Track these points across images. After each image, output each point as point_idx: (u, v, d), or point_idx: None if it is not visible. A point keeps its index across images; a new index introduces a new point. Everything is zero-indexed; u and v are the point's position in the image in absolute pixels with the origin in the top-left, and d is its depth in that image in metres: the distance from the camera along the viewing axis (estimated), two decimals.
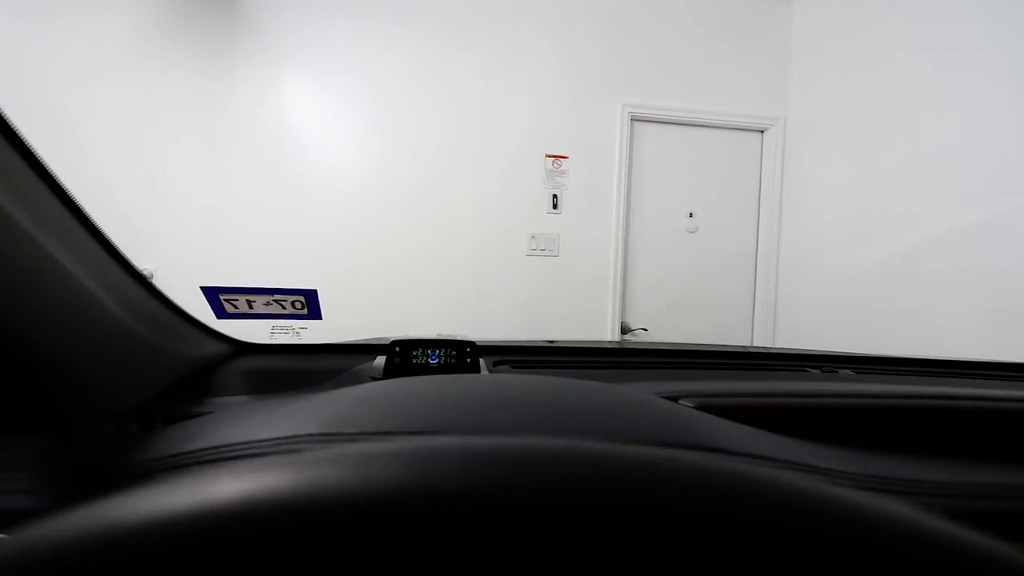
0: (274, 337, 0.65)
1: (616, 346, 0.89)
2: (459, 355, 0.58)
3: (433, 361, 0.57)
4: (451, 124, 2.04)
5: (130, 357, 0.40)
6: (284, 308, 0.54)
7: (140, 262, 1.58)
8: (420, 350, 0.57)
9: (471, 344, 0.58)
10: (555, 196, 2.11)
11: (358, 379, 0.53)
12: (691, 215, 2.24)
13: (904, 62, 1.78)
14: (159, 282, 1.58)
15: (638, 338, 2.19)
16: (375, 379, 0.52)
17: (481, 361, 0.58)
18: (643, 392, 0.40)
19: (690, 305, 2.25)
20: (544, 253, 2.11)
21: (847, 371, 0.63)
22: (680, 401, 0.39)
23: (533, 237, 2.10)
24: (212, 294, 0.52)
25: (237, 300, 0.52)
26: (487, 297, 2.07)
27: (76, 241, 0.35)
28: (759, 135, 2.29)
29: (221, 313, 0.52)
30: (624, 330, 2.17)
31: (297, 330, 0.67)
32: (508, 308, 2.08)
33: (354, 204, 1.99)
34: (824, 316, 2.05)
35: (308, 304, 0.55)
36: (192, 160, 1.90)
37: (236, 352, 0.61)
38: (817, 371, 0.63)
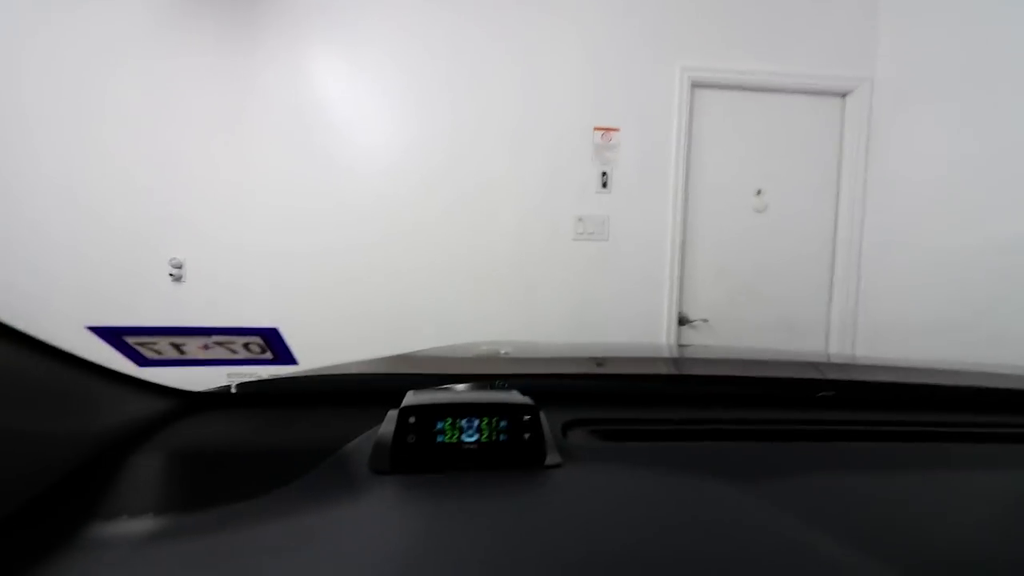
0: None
1: (727, 371, 0.67)
2: (511, 428, 0.36)
3: (470, 440, 0.36)
4: (489, 96, 1.86)
5: None
6: (235, 353, 0.37)
7: (168, 252, 1.47)
8: (449, 421, 0.36)
9: (531, 409, 0.37)
10: (604, 174, 1.89)
11: (351, 470, 0.35)
12: (759, 192, 1.97)
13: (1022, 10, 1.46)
14: (188, 271, 1.45)
15: (698, 331, 1.96)
16: (377, 472, 0.34)
17: (545, 426, 0.38)
18: None
19: (757, 295, 2.00)
20: (592, 237, 1.90)
21: None
22: None
23: (580, 220, 1.89)
24: (111, 336, 0.33)
25: (155, 344, 0.35)
26: (530, 286, 1.89)
27: None
28: (840, 99, 1.99)
29: (140, 359, 0.35)
30: (682, 322, 1.95)
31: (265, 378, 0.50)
32: (552, 298, 1.90)
33: (386, 186, 1.85)
34: (915, 311, 1.76)
35: (271, 347, 0.37)
36: (217, 144, 1.80)
37: (179, 411, 0.44)
38: None
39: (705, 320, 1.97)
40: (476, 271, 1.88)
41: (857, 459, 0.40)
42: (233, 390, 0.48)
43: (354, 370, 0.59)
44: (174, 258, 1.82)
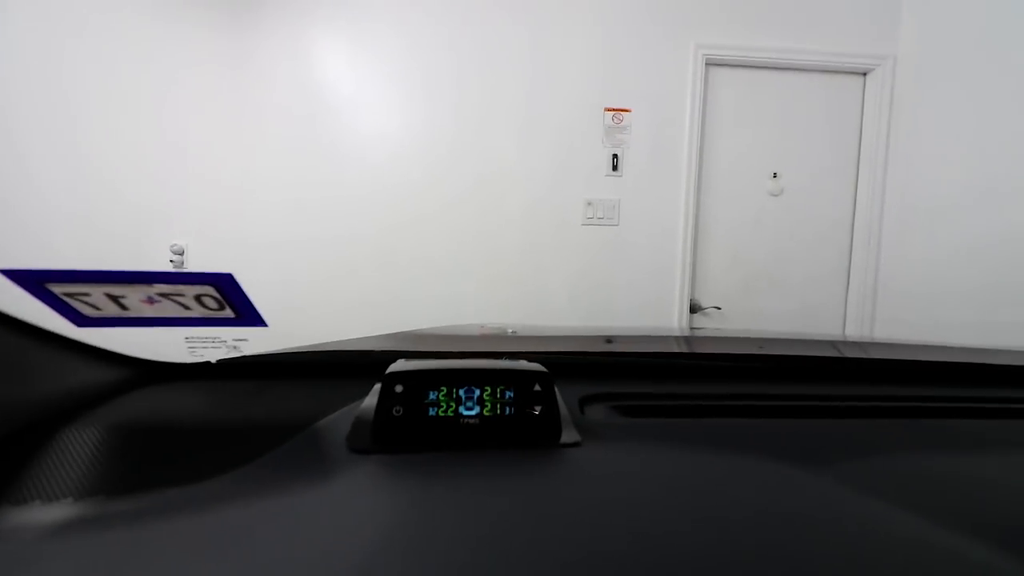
0: (194, 354, 0.42)
1: (752, 349, 0.63)
2: (519, 399, 0.31)
3: (469, 413, 0.30)
4: (497, 77, 1.80)
5: None
6: (188, 309, 0.30)
7: (169, 238, 1.42)
8: (443, 391, 0.30)
9: (543, 377, 0.32)
10: (615, 156, 1.83)
11: (324, 449, 0.29)
12: (775, 176, 1.91)
13: None
14: (190, 258, 1.39)
15: (710, 318, 1.91)
16: (356, 451, 0.29)
17: (560, 400, 0.33)
18: None
19: (772, 281, 1.94)
20: (602, 222, 1.85)
21: None
22: None
23: (589, 204, 1.84)
24: (32, 284, 0.26)
25: (88, 295, 0.28)
26: (538, 273, 1.84)
27: None
28: (861, 78, 1.91)
29: (77, 317, 0.29)
30: (693, 309, 1.89)
31: (233, 343, 0.43)
32: (562, 286, 1.85)
33: (391, 169, 1.80)
34: (935, 299, 1.69)
35: (227, 300, 0.30)
36: (217, 126, 1.75)
37: (134, 381, 0.39)
38: None
39: (718, 308, 1.92)
40: (483, 258, 1.83)
41: (925, 436, 0.36)
42: (213, 363, 0.43)
43: (344, 347, 0.54)
44: (175, 244, 1.78)
